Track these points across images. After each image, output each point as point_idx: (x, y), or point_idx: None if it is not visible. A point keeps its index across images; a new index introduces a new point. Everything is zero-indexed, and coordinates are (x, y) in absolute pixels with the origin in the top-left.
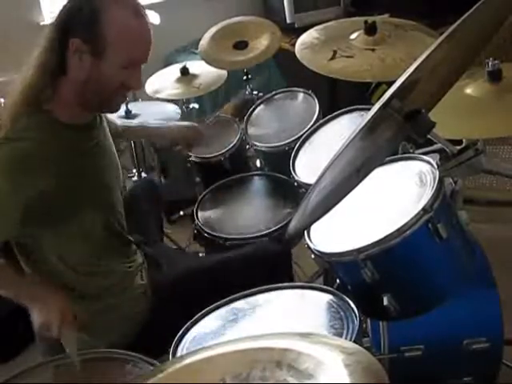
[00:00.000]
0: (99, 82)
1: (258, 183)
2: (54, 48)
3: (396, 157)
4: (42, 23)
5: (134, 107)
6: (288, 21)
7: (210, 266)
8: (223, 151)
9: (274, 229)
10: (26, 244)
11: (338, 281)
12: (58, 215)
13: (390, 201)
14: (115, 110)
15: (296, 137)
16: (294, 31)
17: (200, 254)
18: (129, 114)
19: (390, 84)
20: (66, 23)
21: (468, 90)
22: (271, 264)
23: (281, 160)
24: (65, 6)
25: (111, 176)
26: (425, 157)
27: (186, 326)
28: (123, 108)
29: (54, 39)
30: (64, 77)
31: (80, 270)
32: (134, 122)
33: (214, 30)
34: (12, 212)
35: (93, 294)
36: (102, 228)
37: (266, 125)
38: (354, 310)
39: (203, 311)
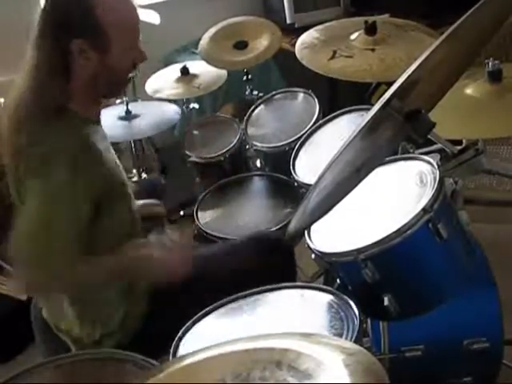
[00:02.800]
0: (111, 71)
1: (258, 183)
2: (55, 52)
3: (396, 157)
4: None
5: (134, 107)
6: (288, 21)
7: (210, 254)
8: (223, 151)
9: (274, 229)
10: None
11: (338, 281)
12: (106, 205)
13: (390, 201)
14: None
15: (296, 137)
16: (294, 31)
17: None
18: (129, 115)
19: (389, 84)
20: (62, 25)
21: (468, 90)
22: (271, 247)
23: (281, 160)
24: (52, 7)
25: (122, 169)
26: (425, 157)
27: (186, 325)
28: (123, 108)
29: (52, 43)
30: (72, 77)
31: None
32: None
33: (213, 30)
34: (81, 215)
35: (102, 297)
36: (130, 225)
37: (265, 125)
38: (354, 310)
39: (203, 311)
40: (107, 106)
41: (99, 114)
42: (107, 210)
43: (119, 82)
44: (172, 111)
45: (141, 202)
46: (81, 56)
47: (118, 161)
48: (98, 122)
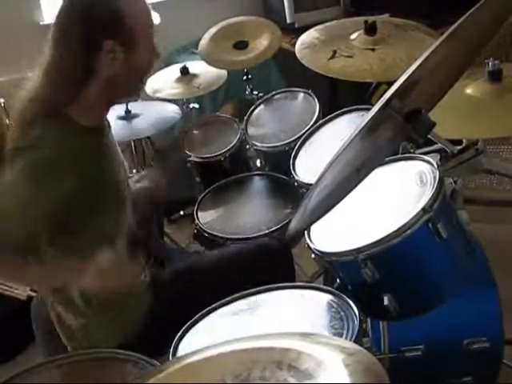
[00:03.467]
0: (133, 71)
1: (258, 183)
2: (81, 56)
3: (396, 157)
4: (42, 23)
5: (134, 107)
6: (288, 21)
7: (210, 263)
8: (223, 151)
9: (274, 229)
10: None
11: (338, 281)
12: (83, 218)
13: (390, 200)
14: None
15: (296, 137)
16: (294, 31)
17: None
18: (129, 114)
19: (390, 84)
20: (89, 26)
21: (468, 90)
22: (272, 260)
23: (281, 160)
24: (75, 9)
25: (123, 175)
26: (425, 157)
27: (186, 325)
28: (123, 108)
29: (80, 43)
30: (93, 80)
31: None
32: None
33: (213, 30)
34: (39, 219)
35: (100, 297)
36: (117, 228)
37: (265, 125)
38: (354, 310)
39: (203, 311)
40: None
41: (104, 119)
42: (83, 221)
43: (139, 81)
44: (172, 111)
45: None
46: (109, 56)
47: (124, 160)
48: (102, 127)
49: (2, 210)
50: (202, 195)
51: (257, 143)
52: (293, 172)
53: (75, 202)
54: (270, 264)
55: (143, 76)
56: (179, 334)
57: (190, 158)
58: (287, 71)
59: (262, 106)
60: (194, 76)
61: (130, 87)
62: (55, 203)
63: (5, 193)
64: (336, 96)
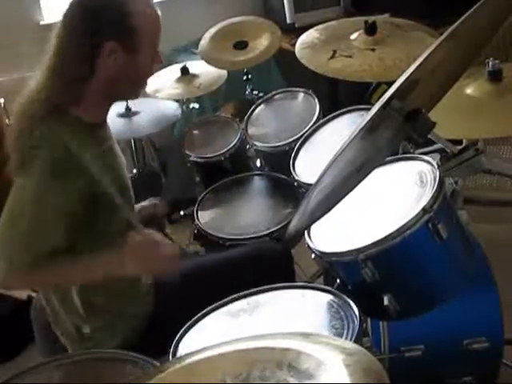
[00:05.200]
0: (135, 72)
1: (258, 183)
2: (83, 55)
3: (396, 157)
4: (41, 23)
5: (133, 104)
6: (288, 21)
7: (210, 265)
8: (223, 151)
9: (274, 229)
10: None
11: (338, 281)
12: (96, 216)
13: (390, 201)
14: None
15: (296, 137)
16: (294, 31)
17: (200, 254)
18: (129, 112)
19: (389, 84)
20: (94, 26)
21: (468, 90)
22: (271, 262)
23: (281, 160)
24: (83, 8)
25: (126, 171)
26: (425, 157)
27: (186, 325)
28: (123, 105)
29: (82, 45)
30: (92, 79)
31: None
32: None
33: (214, 30)
34: (60, 219)
35: (103, 298)
36: (126, 226)
37: (266, 125)
38: (354, 310)
39: (203, 311)
40: None
41: (106, 115)
42: (87, 220)
43: (140, 82)
44: (172, 108)
45: (140, 204)
46: (110, 57)
47: (122, 165)
48: (102, 124)
49: (36, 211)
50: (202, 195)
51: (257, 143)
52: (293, 172)
53: (87, 200)
54: (270, 265)
55: (144, 78)
56: (179, 333)
57: (190, 158)
58: (287, 71)
59: (262, 106)
60: (194, 76)
61: (130, 88)
62: (71, 203)
63: (33, 194)
64: (336, 96)
